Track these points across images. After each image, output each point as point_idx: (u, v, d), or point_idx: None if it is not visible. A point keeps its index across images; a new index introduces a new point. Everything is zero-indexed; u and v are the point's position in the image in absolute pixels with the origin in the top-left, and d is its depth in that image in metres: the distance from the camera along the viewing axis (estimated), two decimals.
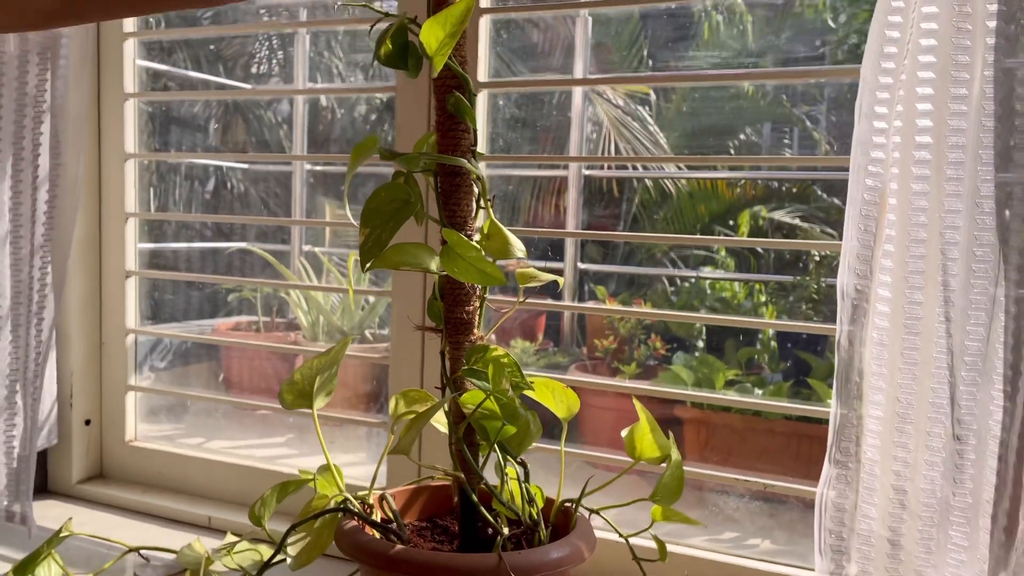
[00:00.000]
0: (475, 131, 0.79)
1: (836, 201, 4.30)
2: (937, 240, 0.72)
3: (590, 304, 2.43)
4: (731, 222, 4.46)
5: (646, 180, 4.38)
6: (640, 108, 4.67)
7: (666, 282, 3.10)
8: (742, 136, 5.08)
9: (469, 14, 0.72)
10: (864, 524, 0.75)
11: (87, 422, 1.42)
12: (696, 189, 4.42)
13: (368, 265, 0.73)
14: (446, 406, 0.80)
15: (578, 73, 2.87)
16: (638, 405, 0.86)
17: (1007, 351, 0.68)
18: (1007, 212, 0.69)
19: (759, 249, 4.39)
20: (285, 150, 4.12)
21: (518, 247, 0.79)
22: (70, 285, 1.36)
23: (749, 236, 4.37)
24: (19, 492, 1.15)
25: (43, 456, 1.40)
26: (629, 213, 4.57)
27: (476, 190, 0.80)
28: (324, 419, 1.33)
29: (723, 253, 3.57)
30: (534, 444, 0.78)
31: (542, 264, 3.01)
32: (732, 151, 4.98)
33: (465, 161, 0.77)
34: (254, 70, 4.57)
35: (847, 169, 0.77)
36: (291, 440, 1.93)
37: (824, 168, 4.06)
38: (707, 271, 3.29)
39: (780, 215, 4.47)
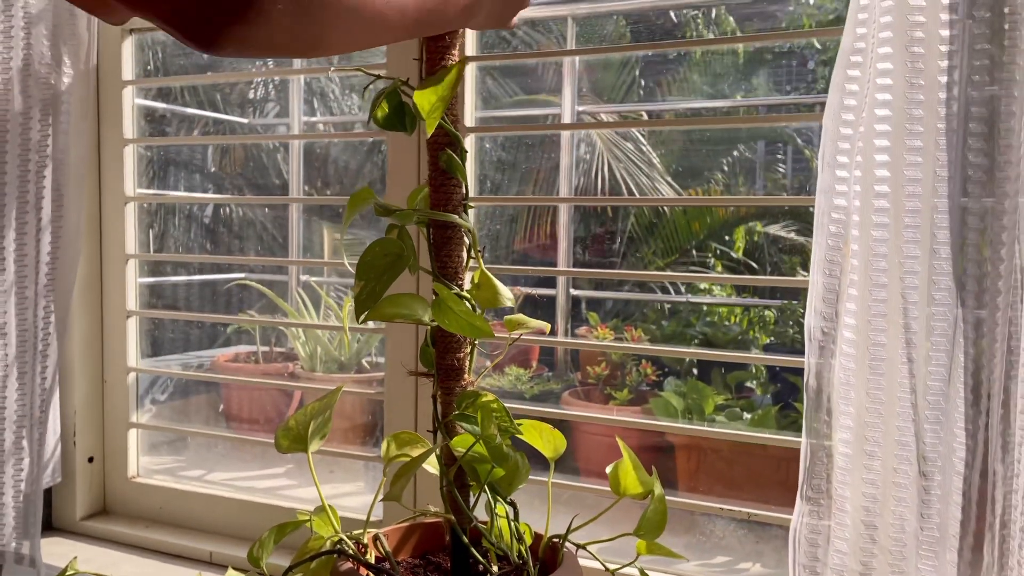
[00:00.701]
0: (466, 185, 0.83)
1: None
2: (898, 284, 0.75)
3: (581, 332, 2.47)
4: (726, 237, 4.51)
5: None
6: (633, 130, 4.72)
7: (660, 305, 3.14)
8: (735, 153, 5.14)
9: (460, 80, 0.77)
10: (837, 559, 0.78)
11: (90, 459, 1.45)
12: (691, 207, 4.46)
13: (362, 317, 0.77)
14: (438, 450, 0.84)
15: (567, 99, 2.93)
16: (621, 443, 0.89)
17: (967, 391, 0.72)
18: (963, 245, 0.73)
19: (754, 265, 4.44)
20: (283, 173, 4.17)
21: (506, 296, 0.82)
22: (72, 326, 1.40)
23: (745, 252, 4.41)
24: (27, 533, 1.18)
25: (48, 493, 1.43)
26: (624, 231, 4.62)
27: (467, 241, 0.84)
28: (322, 453, 1.36)
29: (719, 268, 3.61)
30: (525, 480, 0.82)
31: (536, 291, 3.05)
32: (725, 168, 5.03)
33: (457, 217, 0.81)
34: (251, 96, 4.63)
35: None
36: (290, 471, 1.95)
37: (793, 206, 4.12)
38: (702, 297, 3.32)
39: (775, 229, 4.51)
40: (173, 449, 1.97)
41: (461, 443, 0.80)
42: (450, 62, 0.83)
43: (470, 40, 1.18)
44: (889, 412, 0.76)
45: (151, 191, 2.98)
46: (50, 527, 1.44)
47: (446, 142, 0.82)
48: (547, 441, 0.87)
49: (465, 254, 0.84)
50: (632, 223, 4.53)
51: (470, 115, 1.20)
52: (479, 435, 0.78)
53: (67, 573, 1.10)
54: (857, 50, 0.78)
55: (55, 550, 1.35)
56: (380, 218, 0.81)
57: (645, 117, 4.67)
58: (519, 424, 0.83)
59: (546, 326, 0.89)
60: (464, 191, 0.84)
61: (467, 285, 0.85)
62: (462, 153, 0.82)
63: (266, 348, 2.45)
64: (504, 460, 0.78)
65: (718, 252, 4.51)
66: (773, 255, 4.48)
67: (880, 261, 0.76)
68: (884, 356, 0.76)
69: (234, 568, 1.24)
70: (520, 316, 0.88)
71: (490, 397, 0.80)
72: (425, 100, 0.76)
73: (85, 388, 1.44)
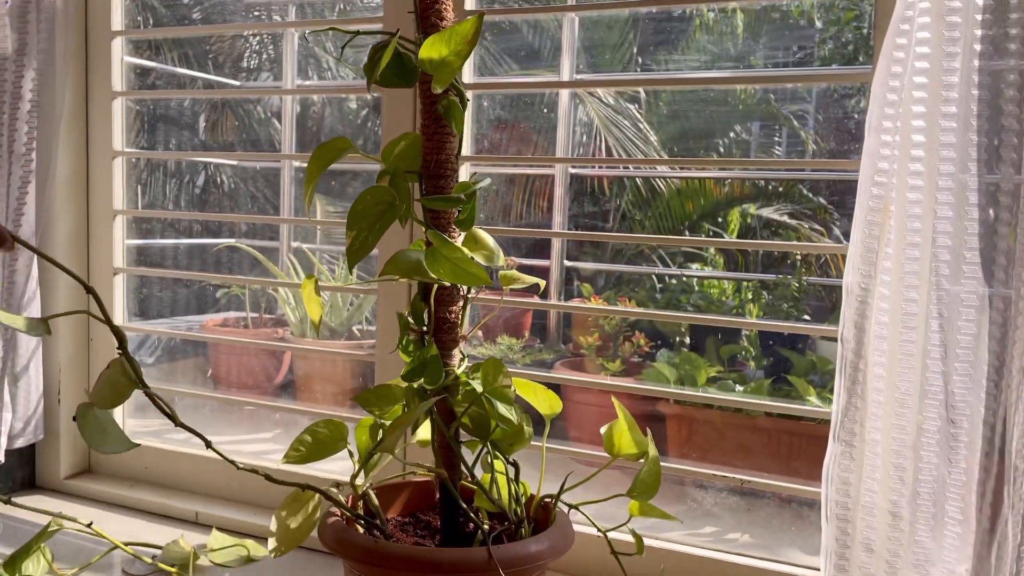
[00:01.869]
0: (462, 136, 0.81)
1: (821, 200, 4.34)
2: (929, 244, 0.79)
3: (573, 302, 2.45)
4: (719, 219, 4.49)
5: (636, 179, 4.39)
6: (630, 106, 4.69)
7: (654, 279, 3.12)
8: (731, 135, 5.11)
9: (478, 34, 0.74)
10: (868, 497, 0.82)
11: (75, 418, 1.43)
12: (685, 187, 4.43)
13: (375, 274, 0.75)
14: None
15: (565, 74, 2.89)
16: (616, 403, 0.88)
17: (992, 343, 0.76)
18: (991, 213, 0.77)
19: (746, 249, 4.42)
20: (275, 146, 4.12)
21: (499, 254, 0.81)
22: (58, 282, 1.37)
23: (738, 234, 4.40)
24: None
25: (31, 451, 1.41)
26: (619, 211, 4.59)
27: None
28: (313, 414, 1.34)
29: (712, 251, 3.60)
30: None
31: (529, 262, 3.03)
32: (721, 149, 5.01)
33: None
34: (244, 64, 4.56)
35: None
36: (278, 435, 1.94)
37: (819, 170, 4.09)
38: (694, 269, 3.31)
39: (768, 212, 4.50)
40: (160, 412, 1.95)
41: (465, 398, 0.78)
42: (444, 9, 0.80)
43: None
44: (919, 364, 0.80)
45: (141, 151, 2.94)
46: (33, 485, 1.42)
47: (444, 91, 0.79)
48: (542, 400, 0.86)
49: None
50: (626, 202, 4.51)
51: (468, 72, 1.17)
52: (483, 390, 0.76)
53: (50, 529, 1.09)
54: (906, 18, 0.81)
55: (39, 507, 1.33)
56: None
57: (642, 94, 4.63)
58: (519, 382, 0.82)
59: (541, 282, 0.87)
60: (458, 142, 0.81)
61: (459, 241, 0.83)
62: (464, 102, 0.79)
63: (255, 314, 2.43)
64: (508, 419, 0.76)
65: (711, 233, 4.49)
66: (767, 237, 4.46)
67: (914, 221, 0.80)
68: (916, 311, 0.80)
69: (218, 529, 1.23)
70: (514, 272, 0.86)
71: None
72: (435, 52, 0.73)
73: (70, 345, 1.41)
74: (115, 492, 1.37)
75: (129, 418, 1.47)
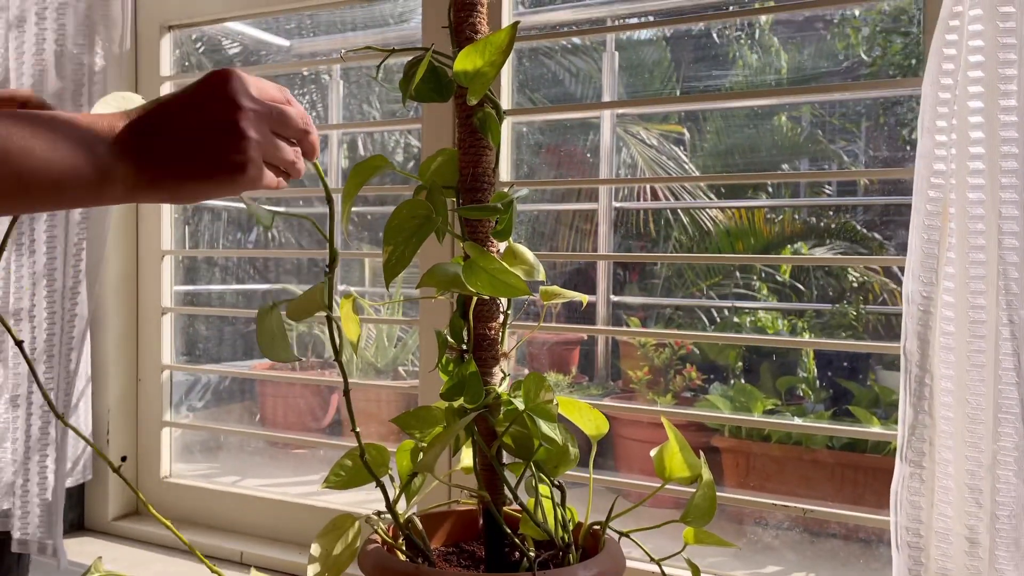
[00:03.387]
0: (498, 150, 0.80)
1: (877, 236, 4.23)
2: (995, 246, 0.75)
3: (622, 328, 2.39)
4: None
5: (682, 218, 4.34)
6: (675, 148, 4.67)
7: (703, 317, 3.06)
8: (779, 171, 5.03)
9: (512, 42, 0.73)
10: (941, 522, 0.77)
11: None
12: (734, 227, 4.37)
13: (390, 276, 0.73)
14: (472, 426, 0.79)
15: (606, 112, 2.89)
16: (667, 425, 0.84)
17: None
18: None
19: (801, 287, 4.31)
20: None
21: (539, 268, 0.78)
22: (107, 322, 1.39)
23: (791, 275, 4.30)
24: (51, 527, 1.16)
25: (80, 492, 1.42)
26: (665, 252, 4.54)
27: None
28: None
29: (764, 291, 3.52)
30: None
31: (575, 253, 2.99)
32: (771, 188, 4.94)
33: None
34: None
35: (895, 193, 0.79)
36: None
37: (881, 180, 3.99)
38: (747, 302, 3.23)
39: (821, 252, 4.41)
40: (207, 455, 1.95)
41: (506, 417, 0.75)
42: (479, 22, 0.79)
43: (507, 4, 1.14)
44: (990, 375, 0.75)
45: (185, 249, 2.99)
46: (81, 527, 1.42)
47: (480, 104, 0.78)
48: (588, 419, 0.82)
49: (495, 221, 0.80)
50: (673, 243, 4.46)
51: (506, 100, 1.16)
52: (526, 407, 0.73)
53: (91, 573, 1.08)
54: (955, 13, 0.78)
55: (86, 549, 1.32)
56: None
57: (687, 135, 4.61)
58: (563, 400, 0.79)
59: (584, 297, 0.84)
60: (495, 156, 0.80)
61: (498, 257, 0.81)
62: (500, 114, 0.78)
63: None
64: (551, 438, 0.73)
65: (763, 274, 4.40)
66: (820, 278, 4.35)
67: (977, 223, 0.76)
68: (984, 319, 0.76)
69: (257, 568, 1.21)
70: (555, 287, 0.84)
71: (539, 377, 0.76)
72: (469, 64, 0.73)
73: (119, 386, 1.42)
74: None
75: (176, 462, 1.47)
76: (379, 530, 0.80)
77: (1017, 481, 0.74)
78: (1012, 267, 0.75)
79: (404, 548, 0.79)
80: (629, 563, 0.84)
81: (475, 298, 0.77)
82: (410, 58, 0.78)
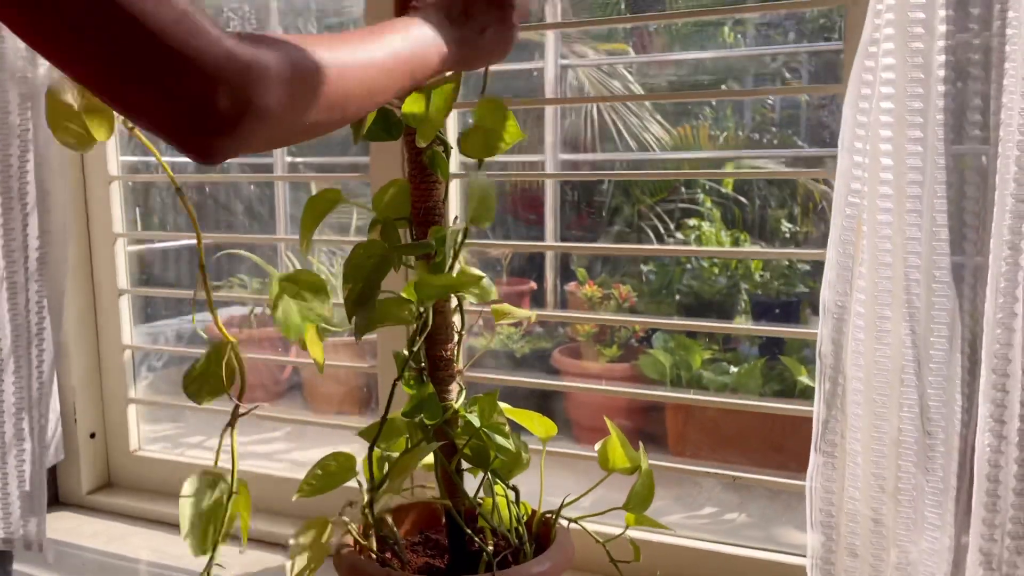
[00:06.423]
0: (447, 181, 0.84)
1: (816, 149, 4.32)
2: (901, 264, 0.82)
3: (571, 314, 2.47)
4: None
5: (629, 140, 4.38)
6: (620, 67, 4.64)
7: (651, 235, 3.14)
8: (723, 88, 5.06)
9: (457, 91, 0.77)
10: (851, 505, 0.87)
11: (92, 435, 1.48)
12: (679, 143, 4.43)
13: (359, 332, 0.79)
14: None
15: (551, 33, 2.85)
16: (609, 424, 0.92)
17: (964, 359, 0.81)
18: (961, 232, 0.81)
19: (743, 200, 4.43)
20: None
21: (490, 289, 0.84)
22: (67, 305, 1.41)
23: (734, 187, 4.39)
24: (33, 512, 1.21)
25: (52, 471, 1.47)
26: (612, 170, 4.60)
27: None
28: (321, 426, 1.39)
29: (708, 204, 3.61)
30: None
31: (524, 242, 3.05)
32: (713, 103, 4.96)
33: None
34: None
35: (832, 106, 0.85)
36: (289, 434, 1.99)
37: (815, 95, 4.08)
38: (691, 223, 3.30)
39: (764, 162, 4.49)
40: (172, 416, 2.00)
41: (464, 431, 0.83)
42: None
43: None
44: (895, 379, 0.83)
45: (136, 174, 2.94)
46: (57, 502, 1.47)
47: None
48: (539, 425, 0.91)
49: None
50: (619, 163, 4.50)
51: (452, 126, 1.17)
52: (480, 425, 0.80)
53: None
54: (873, 40, 0.83)
55: (63, 524, 1.38)
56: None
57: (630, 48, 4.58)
58: (515, 412, 0.87)
59: (531, 315, 0.91)
60: (445, 187, 0.84)
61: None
62: (447, 151, 0.82)
63: (260, 309, 2.46)
64: (506, 448, 0.81)
65: (707, 187, 4.49)
66: (762, 188, 4.45)
67: (885, 243, 0.83)
68: (890, 328, 0.83)
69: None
70: (506, 305, 0.90)
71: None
72: (417, 108, 0.76)
73: (82, 366, 1.46)
74: (136, 505, 1.42)
75: (143, 424, 1.52)
76: (351, 531, 0.88)
77: (916, 470, 0.84)
78: (915, 283, 0.82)
79: (375, 548, 0.88)
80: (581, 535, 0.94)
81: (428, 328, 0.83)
82: None
